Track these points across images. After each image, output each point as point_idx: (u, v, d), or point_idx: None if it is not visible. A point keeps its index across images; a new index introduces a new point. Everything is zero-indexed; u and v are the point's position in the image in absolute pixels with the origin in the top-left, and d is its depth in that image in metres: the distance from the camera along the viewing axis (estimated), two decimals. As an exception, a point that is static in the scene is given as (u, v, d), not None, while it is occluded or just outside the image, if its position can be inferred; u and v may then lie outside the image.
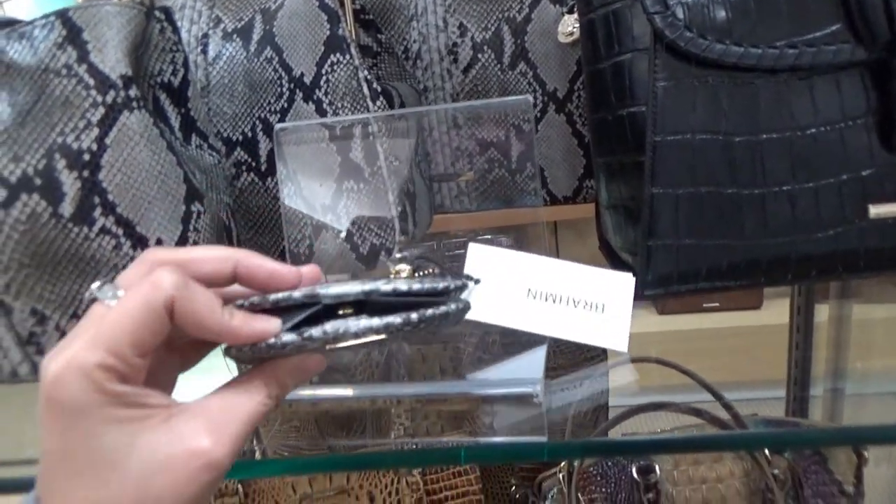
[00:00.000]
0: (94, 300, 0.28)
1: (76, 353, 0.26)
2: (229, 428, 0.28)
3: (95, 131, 0.38)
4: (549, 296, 0.36)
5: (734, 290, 0.42)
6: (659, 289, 0.42)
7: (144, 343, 0.26)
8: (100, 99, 0.38)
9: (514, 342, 0.43)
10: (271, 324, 0.28)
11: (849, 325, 0.95)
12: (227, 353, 0.29)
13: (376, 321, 0.27)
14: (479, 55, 0.57)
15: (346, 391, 0.34)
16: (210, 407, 0.28)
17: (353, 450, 0.42)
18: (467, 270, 0.34)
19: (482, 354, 0.41)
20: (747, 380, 1.28)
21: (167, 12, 0.45)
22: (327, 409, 0.34)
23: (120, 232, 0.40)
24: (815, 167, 0.40)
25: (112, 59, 0.39)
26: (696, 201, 0.40)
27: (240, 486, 0.65)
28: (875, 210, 0.40)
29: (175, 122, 0.45)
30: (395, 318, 0.27)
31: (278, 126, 0.44)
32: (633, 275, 0.43)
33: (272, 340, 0.27)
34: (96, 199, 0.39)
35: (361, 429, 0.45)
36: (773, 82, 0.39)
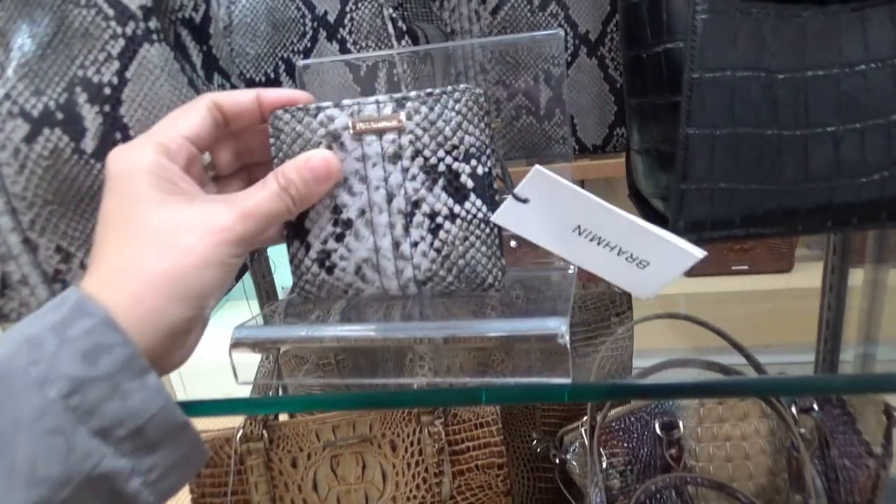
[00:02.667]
0: None
1: (139, 148, 0.33)
2: (249, 209, 0.32)
3: (116, 64, 0.38)
4: (596, 237, 0.35)
5: (770, 237, 0.41)
6: (691, 235, 0.40)
7: (197, 129, 0.34)
8: (119, 30, 0.38)
9: (538, 297, 0.42)
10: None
11: (883, 289, 0.93)
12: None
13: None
14: (509, -5, 0.55)
15: (369, 329, 0.34)
16: (232, 196, 0.33)
17: (373, 389, 0.42)
18: (524, 190, 0.34)
19: (505, 309, 0.40)
20: (775, 343, 1.26)
21: (188, -55, 0.44)
22: (347, 346, 0.33)
23: (142, 169, 0.39)
24: (863, 106, 0.37)
25: (131, -11, 0.38)
26: (734, 143, 0.38)
27: (265, 431, 0.66)
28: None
29: (196, 59, 0.44)
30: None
31: (301, 63, 0.43)
32: (665, 222, 0.42)
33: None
34: (118, 135, 0.39)
35: (383, 370, 0.44)
36: (822, 15, 0.37)
